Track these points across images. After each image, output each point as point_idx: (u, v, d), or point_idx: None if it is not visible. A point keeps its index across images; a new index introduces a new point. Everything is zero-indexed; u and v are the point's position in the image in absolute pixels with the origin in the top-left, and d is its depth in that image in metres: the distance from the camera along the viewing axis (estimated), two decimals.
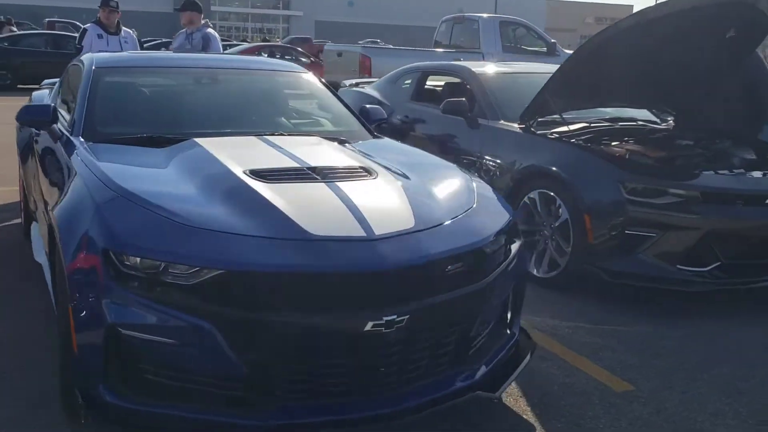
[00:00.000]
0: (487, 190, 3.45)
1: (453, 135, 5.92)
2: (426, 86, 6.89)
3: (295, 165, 3.24)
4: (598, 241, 4.49)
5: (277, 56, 19.78)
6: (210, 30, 7.72)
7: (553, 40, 15.15)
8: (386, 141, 4.29)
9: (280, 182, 2.98)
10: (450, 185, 3.33)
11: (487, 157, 5.43)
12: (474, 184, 3.40)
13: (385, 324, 2.52)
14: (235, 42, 27.16)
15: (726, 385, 3.51)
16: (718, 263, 4.48)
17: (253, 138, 3.73)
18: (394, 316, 2.53)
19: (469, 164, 5.51)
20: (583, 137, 5.12)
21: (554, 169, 4.78)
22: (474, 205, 3.14)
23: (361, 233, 2.66)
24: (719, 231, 4.43)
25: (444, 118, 5.93)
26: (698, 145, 5.24)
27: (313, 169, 3.17)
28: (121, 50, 7.27)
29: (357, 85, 7.83)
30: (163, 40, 27.01)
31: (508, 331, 3.24)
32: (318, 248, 2.57)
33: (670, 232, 4.39)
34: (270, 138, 3.71)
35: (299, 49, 23.97)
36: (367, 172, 3.23)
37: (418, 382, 2.75)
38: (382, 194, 3.05)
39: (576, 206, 4.60)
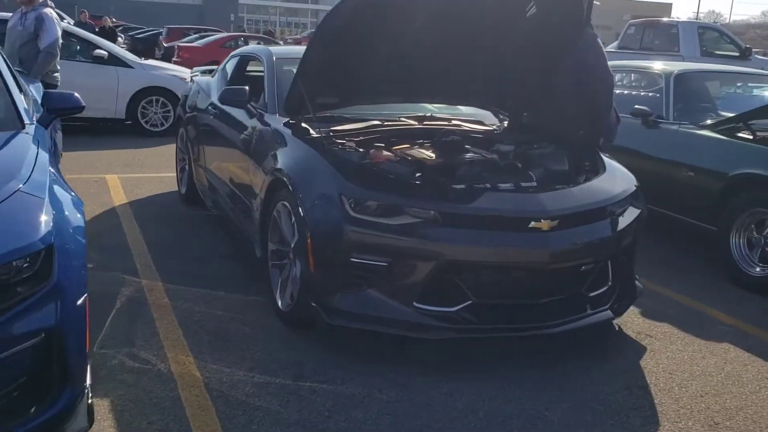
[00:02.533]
0: None
1: (234, 129, 5.00)
2: (247, 73, 5.98)
3: None
4: (319, 270, 3.55)
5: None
6: (47, 10, 6.92)
7: (746, 45, 15.28)
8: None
9: None
10: None
11: (256, 158, 4.49)
12: None
13: None
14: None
15: None
16: (468, 302, 3.51)
17: None
18: None
19: (245, 168, 4.60)
20: (348, 138, 4.18)
21: (288, 174, 3.84)
22: None
23: None
24: (464, 261, 3.46)
25: (229, 109, 5.05)
26: (504, 152, 4.27)
27: None
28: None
29: (210, 72, 6.94)
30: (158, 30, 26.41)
31: None
32: None
33: (404, 262, 3.44)
34: None
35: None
36: None
37: None
38: None
39: (300, 224, 3.66)
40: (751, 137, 5.17)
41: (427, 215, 3.45)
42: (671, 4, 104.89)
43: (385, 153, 4.00)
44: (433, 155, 4.08)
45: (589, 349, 3.85)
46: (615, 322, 4.23)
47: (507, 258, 3.51)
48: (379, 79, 4.36)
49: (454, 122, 4.75)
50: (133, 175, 7.53)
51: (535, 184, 3.89)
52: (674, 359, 3.83)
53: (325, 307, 3.53)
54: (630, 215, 3.98)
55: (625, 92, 6.49)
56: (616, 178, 4.07)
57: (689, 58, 13.15)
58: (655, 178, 5.73)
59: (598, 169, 4.14)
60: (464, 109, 5.15)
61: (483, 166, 4.03)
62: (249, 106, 4.78)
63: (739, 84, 6.48)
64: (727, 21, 73.29)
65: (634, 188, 4.09)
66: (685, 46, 13.98)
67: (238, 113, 4.95)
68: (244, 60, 5.96)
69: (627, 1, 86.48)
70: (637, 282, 4.18)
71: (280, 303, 3.92)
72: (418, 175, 3.80)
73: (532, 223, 3.49)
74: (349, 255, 3.44)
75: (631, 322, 4.28)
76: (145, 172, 7.72)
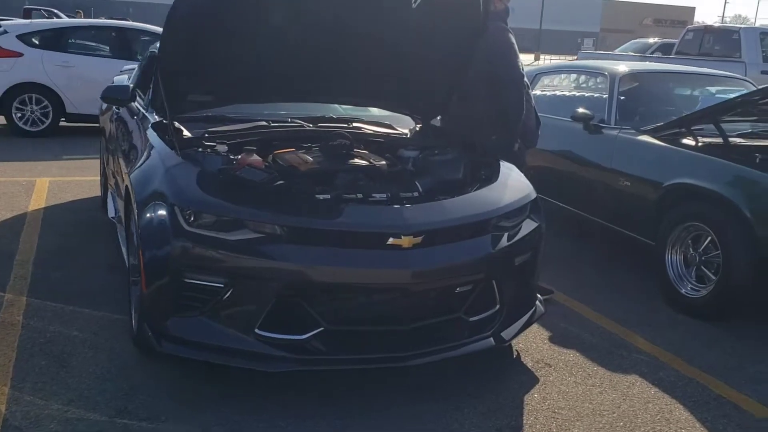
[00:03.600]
0: None
1: (120, 130, 4.62)
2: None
3: None
4: (151, 291, 3.14)
5: None
6: None
7: None
8: None
9: None
10: None
11: (126, 162, 4.10)
12: None
13: None
14: None
15: None
16: (320, 329, 3.09)
17: None
18: None
19: (120, 173, 4.23)
20: (222, 140, 3.77)
21: (131, 181, 3.45)
22: None
23: None
24: (311, 283, 3.04)
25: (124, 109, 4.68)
26: (399, 159, 3.88)
27: None
28: None
29: None
30: None
31: None
32: None
33: (242, 283, 3.02)
34: None
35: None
36: None
37: None
38: None
39: (136, 238, 3.26)
40: (692, 143, 4.69)
41: (269, 230, 3.03)
42: (694, 8, 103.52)
43: (253, 158, 3.59)
44: (311, 161, 3.67)
45: (471, 380, 3.41)
46: (515, 348, 3.80)
47: (361, 279, 3.08)
48: (263, 76, 3.95)
49: (355, 125, 4.33)
50: (66, 179, 7.19)
51: (415, 195, 3.47)
52: (566, 394, 3.38)
53: (156, 332, 3.12)
54: (524, 229, 3.54)
55: (576, 94, 6.03)
56: (508, 189, 3.63)
57: (752, 65, 13.21)
58: (595, 187, 5.30)
59: (492, 178, 3.69)
60: (377, 112, 4.73)
61: (363, 174, 3.61)
62: (134, 104, 4.40)
63: (698, 86, 5.98)
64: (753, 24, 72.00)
65: (530, 200, 3.65)
66: (748, 52, 13.88)
67: (125, 112, 4.58)
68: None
69: (648, 5, 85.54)
70: (538, 304, 3.74)
71: (133, 324, 3.53)
72: (279, 183, 3.39)
73: (390, 240, 3.06)
74: (182, 275, 3.04)
75: (535, 348, 3.84)
76: (83, 176, 7.36)
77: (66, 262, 4.69)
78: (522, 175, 3.84)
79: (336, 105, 4.67)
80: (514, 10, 4.27)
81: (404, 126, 4.60)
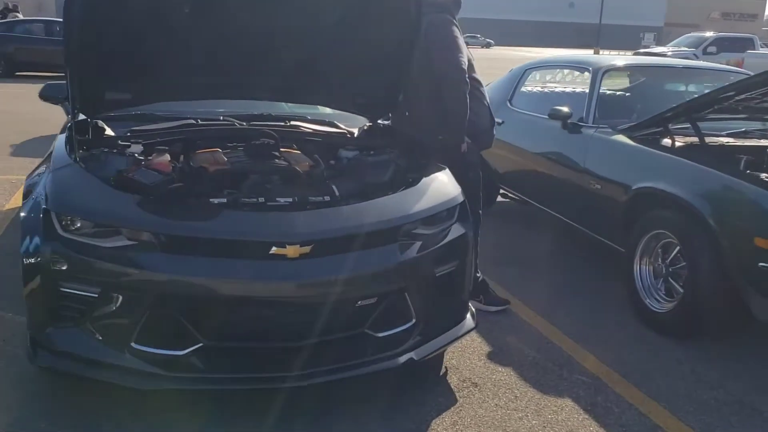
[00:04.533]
0: None
1: None
2: None
3: None
4: (29, 299, 2.98)
5: None
6: None
7: None
8: None
9: None
10: None
11: None
12: None
13: None
14: None
15: None
16: (199, 345, 2.87)
17: None
18: None
19: None
20: (140, 139, 3.59)
21: (26, 184, 3.30)
22: None
23: None
24: (187, 295, 2.82)
25: None
26: (328, 161, 3.67)
27: None
28: None
29: None
30: None
31: None
32: None
33: (116, 293, 2.82)
34: None
35: None
36: None
37: None
38: None
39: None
40: (663, 143, 4.31)
41: (144, 238, 2.83)
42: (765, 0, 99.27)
43: (160, 159, 3.40)
44: (224, 161, 3.46)
45: (386, 399, 3.14)
46: (445, 363, 3.51)
47: (241, 291, 2.85)
48: (188, 72, 3.75)
49: (293, 123, 4.10)
50: None
51: (325, 199, 3.21)
52: (481, 419, 3.08)
53: (33, 343, 2.96)
54: (448, 237, 3.26)
55: (560, 90, 5.67)
56: (429, 193, 3.34)
57: None
58: (570, 190, 4.94)
59: (416, 181, 3.41)
60: (327, 111, 4.48)
61: (277, 176, 3.38)
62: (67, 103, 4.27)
63: (693, 81, 5.54)
64: None
65: (455, 205, 3.35)
66: None
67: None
68: None
69: None
70: (469, 317, 3.44)
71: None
72: (174, 186, 3.18)
73: (274, 249, 2.82)
74: (57, 283, 2.86)
75: (466, 365, 3.55)
76: None
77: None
78: (452, 178, 3.55)
79: (284, 104, 4.45)
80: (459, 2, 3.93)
81: (356, 125, 4.34)
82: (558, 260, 5.23)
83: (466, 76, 3.84)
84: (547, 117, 5.12)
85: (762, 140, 4.72)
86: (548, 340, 3.89)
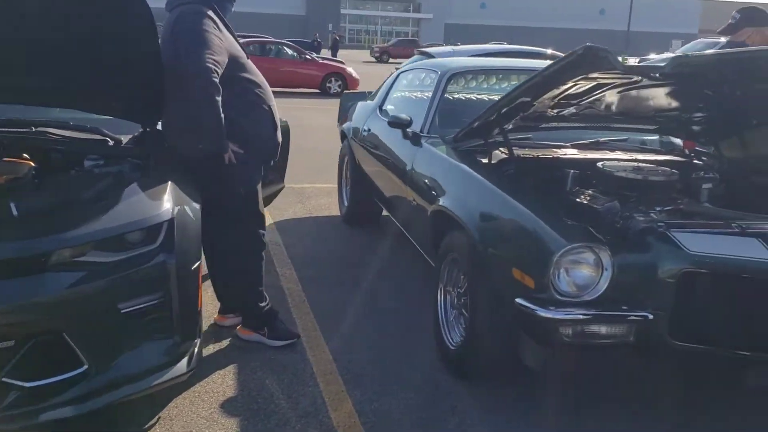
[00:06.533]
0: None
1: None
2: None
3: None
4: None
5: None
6: None
7: None
8: None
9: None
10: None
11: None
12: None
13: None
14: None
15: None
16: None
17: None
18: None
19: None
20: None
21: None
22: None
23: None
24: None
25: None
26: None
27: None
28: None
29: None
30: None
31: None
32: None
33: None
34: None
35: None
36: None
37: None
38: None
39: None
40: (483, 157, 3.78)
41: None
42: None
43: None
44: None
45: None
46: (161, 414, 3.02)
47: None
48: None
49: (40, 129, 3.64)
50: None
51: None
52: None
53: None
54: (142, 263, 2.78)
55: (416, 96, 5.15)
56: (118, 211, 2.85)
57: None
58: (403, 206, 4.42)
59: (103, 197, 2.94)
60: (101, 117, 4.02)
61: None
62: None
63: None
64: None
65: (155, 224, 2.86)
66: None
67: None
68: None
69: (752, 4, 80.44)
70: (184, 362, 2.94)
71: None
72: None
73: None
74: None
75: (186, 416, 3.05)
76: None
77: None
78: (160, 194, 3.03)
79: (55, 109, 4.01)
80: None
81: (130, 132, 3.86)
82: (395, 283, 4.69)
83: (214, 75, 3.32)
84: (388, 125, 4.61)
85: (616, 152, 4.15)
86: (314, 383, 3.36)
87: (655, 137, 4.53)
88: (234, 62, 3.51)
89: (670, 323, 2.75)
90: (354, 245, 5.50)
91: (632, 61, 37.75)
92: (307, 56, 19.31)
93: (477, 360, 3.24)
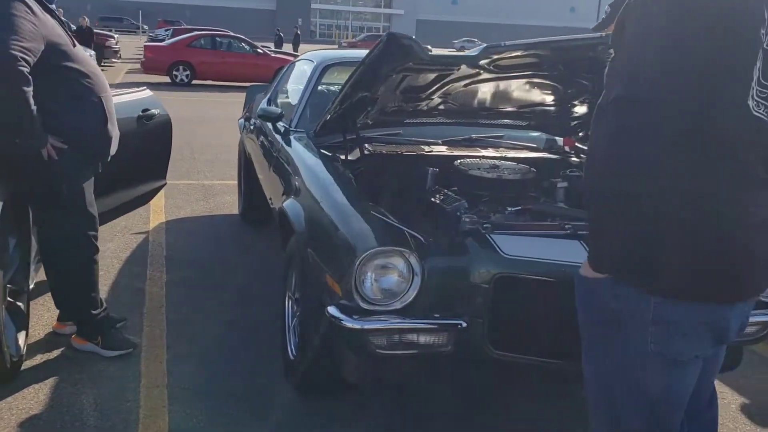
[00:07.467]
0: None
1: None
2: None
3: None
4: None
5: None
6: None
7: None
8: None
9: None
10: None
11: None
12: None
13: None
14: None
15: None
16: None
17: None
18: None
19: None
20: None
21: None
22: None
23: None
24: None
25: None
26: None
27: None
28: None
29: None
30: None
31: None
32: None
33: None
34: None
35: None
36: None
37: None
38: None
39: None
40: (338, 154, 3.56)
41: None
42: None
43: None
44: None
45: None
46: None
47: None
48: None
49: None
50: None
51: None
52: None
53: None
54: None
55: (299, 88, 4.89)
56: None
57: None
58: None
59: None
60: None
61: None
62: None
63: None
64: None
65: None
66: None
67: None
68: None
69: None
70: None
71: None
72: None
73: None
74: None
75: None
76: None
77: None
78: None
79: None
80: None
81: None
82: (264, 290, 4.44)
83: (20, 63, 3.04)
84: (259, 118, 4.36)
85: (488, 149, 3.94)
86: (135, 398, 3.10)
87: (540, 135, 4.32)
88: (55, 50, 3.22)
89: (489, 331, 2.53)
90: (240, 247, 5.24)
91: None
92: (259, 50, 18.98)
93: (307, 373, 3.00)
